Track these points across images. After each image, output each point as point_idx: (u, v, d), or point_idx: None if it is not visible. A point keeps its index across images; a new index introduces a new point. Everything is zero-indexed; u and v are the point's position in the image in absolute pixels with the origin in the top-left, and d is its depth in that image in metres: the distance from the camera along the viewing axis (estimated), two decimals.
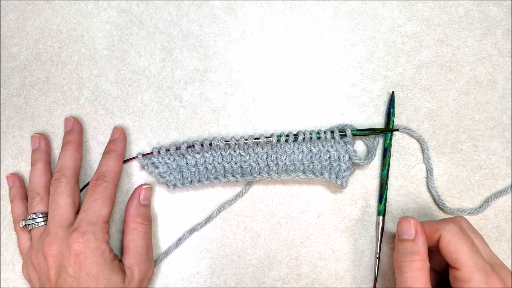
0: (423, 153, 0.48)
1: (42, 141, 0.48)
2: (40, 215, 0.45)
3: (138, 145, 0.49)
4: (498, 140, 0.48)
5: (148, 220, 0.47)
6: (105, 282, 0.41)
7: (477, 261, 0.37)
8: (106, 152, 0.47)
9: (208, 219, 0.48)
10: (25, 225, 0.45)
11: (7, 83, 0.50)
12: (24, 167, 0.50)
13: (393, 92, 0.47)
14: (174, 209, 0.49)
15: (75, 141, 0.47)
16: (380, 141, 0.47)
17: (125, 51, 0.49)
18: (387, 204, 0.48)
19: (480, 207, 0.47)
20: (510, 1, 0.48)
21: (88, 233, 0.42)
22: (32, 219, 0.45)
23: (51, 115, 0.50)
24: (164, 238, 0.49)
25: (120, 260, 0.45)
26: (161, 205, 0.49)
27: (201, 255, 0.48)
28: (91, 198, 0.44)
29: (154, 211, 0.49)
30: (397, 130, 0.47)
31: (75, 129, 0.48)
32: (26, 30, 0.50)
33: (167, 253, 0.48)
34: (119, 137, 0.47)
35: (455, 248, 0.37)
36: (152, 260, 0.46)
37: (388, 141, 0.47)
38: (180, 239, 0.48)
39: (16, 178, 0.48)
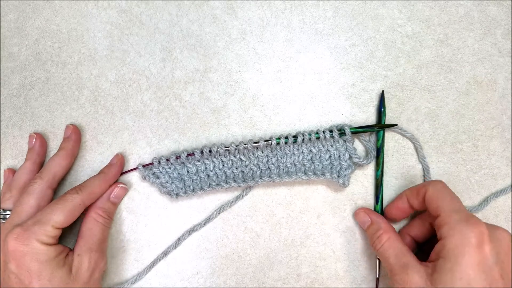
0: (417, 152, 0.48)
1: (37, 141, 0.48)
2: (8, 212, 0.45)
3: (138, 145, 0.49)
4: (498, 140, 0.48)
5: (110, 216, 0.47)
6: (49, 278, 0.40)
7: (456, 205, 0.39)
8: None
9: (208, 220, 0.48)
10: None
11: (7, 83, 0.50)
12: None
13: (382, 91, 0.48)
14: (174, 209, 0.49)
15: (68, 149, 0.47)
16: (375, 141, 0.47)
17: (125, 51, 0.49)
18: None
19: (478, 205, 0.47)
20: (510, 1, 0.48)
21: (29, 231, 0.41)
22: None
23: (51, 115, 0.50)
24: (164, 238, 0.49)
25: (72, 250, 0.44)
26: (161, 205, 0.49)
27: (201, 255, 0.48)
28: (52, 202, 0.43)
29: (155, 211, 0.49)
30: (395, 125, 0.47)
31: (72, 138, 0.48)
32: (26, 30, 0.50)
33: (165, 253, 0.48)
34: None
35: (437, 198, 0.40)
36: (105, 253, 0.46)
37: (380, 141, 0.47)
38: (179, 239, 0.48)
39: (12, 173, 0.49)
